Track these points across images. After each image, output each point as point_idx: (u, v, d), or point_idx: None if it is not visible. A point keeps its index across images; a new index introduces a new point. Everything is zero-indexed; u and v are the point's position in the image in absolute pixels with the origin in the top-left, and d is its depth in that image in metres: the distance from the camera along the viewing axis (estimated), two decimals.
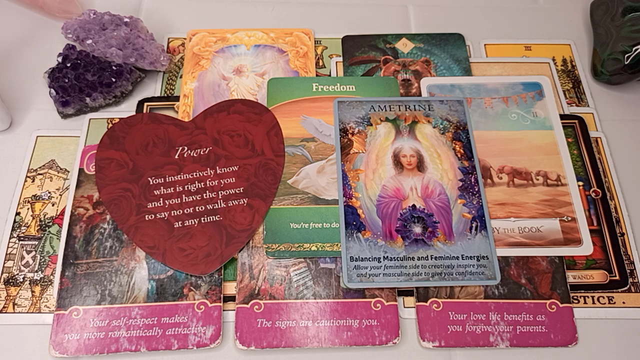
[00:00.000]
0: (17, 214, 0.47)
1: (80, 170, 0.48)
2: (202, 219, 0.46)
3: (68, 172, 0.50)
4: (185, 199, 0.47)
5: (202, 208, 0.46)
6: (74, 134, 0.51)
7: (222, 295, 0.44)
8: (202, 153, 0.49)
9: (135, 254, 0.45)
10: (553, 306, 0.44)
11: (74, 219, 0.46)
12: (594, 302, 0.45)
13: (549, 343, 0.43)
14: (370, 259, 0.45)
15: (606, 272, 0.46)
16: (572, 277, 0.46)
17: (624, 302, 0.45)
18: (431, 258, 0.45)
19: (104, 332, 0.42)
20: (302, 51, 0.57)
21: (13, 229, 0.47)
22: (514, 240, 0.47)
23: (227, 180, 0.48)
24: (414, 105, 0.52)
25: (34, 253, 0.46)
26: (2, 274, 0.45)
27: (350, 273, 0.44)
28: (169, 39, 0.58)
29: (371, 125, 0.51)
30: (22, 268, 0.45)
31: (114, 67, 0.52)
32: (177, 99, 0.54)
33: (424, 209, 0.47)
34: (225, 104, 0.52)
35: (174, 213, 0.46)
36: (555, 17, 0.63)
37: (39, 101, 0.54)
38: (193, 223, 0.46)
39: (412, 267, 0.45)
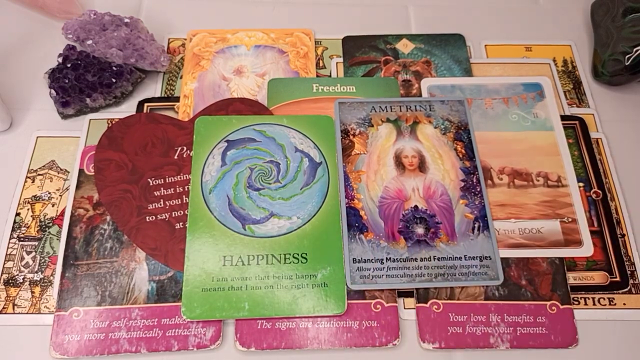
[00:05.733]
0: (17, 214, 0.47)
1: (81, 171, 0.48)
2: None
3: (68, 172, 0.49)
4: (185, 200, 0.46)
5: None
6: (74, 134, 0.51)
7: None
8: None
9: (136, 255, 0.45)
10: (553, 307, 0.44)
11: (74, 220, 0.46)
12: (594, 304, 0.45)
13: (549, 344, 0.43)
14: (373, 261, 0.45)
15: (607, 274, 0.46)
16: (572, 278, 0.46)
17: (624, 304, 0.45)
18: (434, 259, 0.45)
19: (104, 334, 0.42)
20: (302, 52, 0.57)
21: (13, 230, 0.46)
22: (515, 241, 0.47)
23: None
24: (415, 106, 0.52)
25: (33, 254, 0.45)
26: (2, 275, 0.44)
27: (353, 275, 0.44)
28: (169, 39, 0.58)
29: (372, 126, 0.51)
30: (22, 269, 0.45)
31: (114, 68, 0.52)
32: (177, 99, 0.53)
33: (426, 209, 0.47)
34: (223, 103, 0.52)
35: (174, 214, 0.46)
36: (555, 18, 0.63)
37: (39, 101, 0.53)
38: None
39: (415, 268, 0.44)
